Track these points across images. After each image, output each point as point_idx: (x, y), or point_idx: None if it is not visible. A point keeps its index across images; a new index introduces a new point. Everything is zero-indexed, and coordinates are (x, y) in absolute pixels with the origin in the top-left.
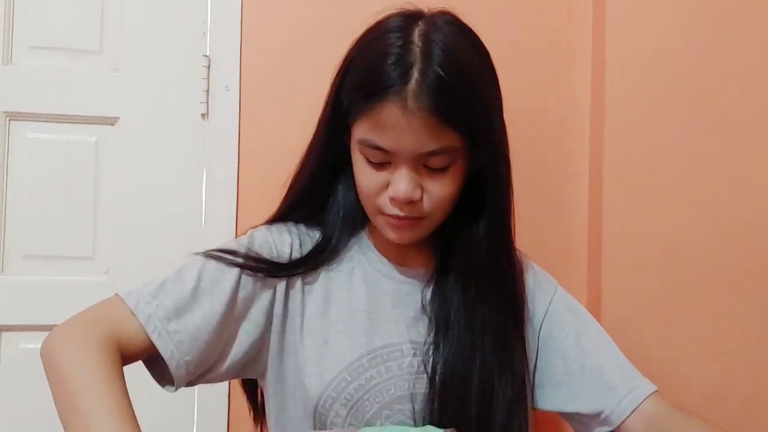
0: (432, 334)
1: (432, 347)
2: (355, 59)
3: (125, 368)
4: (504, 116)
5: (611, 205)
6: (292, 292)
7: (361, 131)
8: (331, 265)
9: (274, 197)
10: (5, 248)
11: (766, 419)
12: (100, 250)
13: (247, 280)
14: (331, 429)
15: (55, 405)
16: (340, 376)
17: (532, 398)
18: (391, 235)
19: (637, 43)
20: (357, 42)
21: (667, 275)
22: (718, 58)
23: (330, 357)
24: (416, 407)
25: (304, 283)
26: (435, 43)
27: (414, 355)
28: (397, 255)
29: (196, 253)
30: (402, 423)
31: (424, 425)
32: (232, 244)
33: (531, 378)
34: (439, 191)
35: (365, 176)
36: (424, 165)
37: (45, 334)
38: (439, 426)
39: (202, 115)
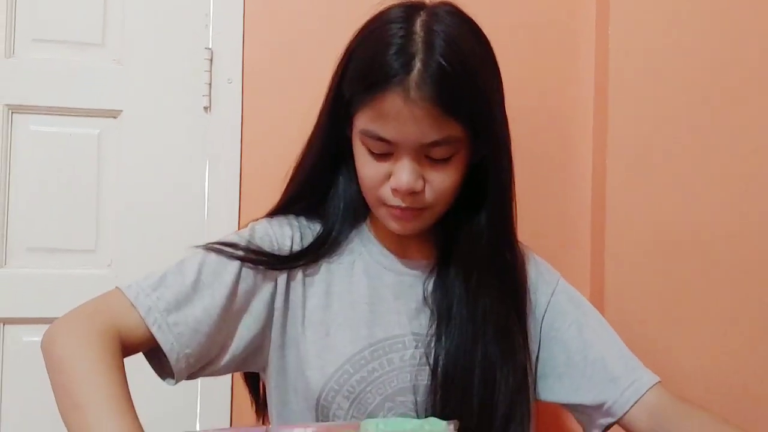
0: (434, 326)
1: (434, 339)
2: (357, 50)
3: (127, 361)
4: (507, 107)
5: (614, 196)
6: (293, 285)
7: (362, 122)
8: (332, 257)
9: (276, 190)
10: (8, 241)
11: None
12: (103, 243)
13: (248, 273)
14: (333, 421)
15: (55, 398)
16: (342, 368)
17: (535, 389)
18: (394, 226)
19: (641, 35)
20: (358, 33)
21: (670, 267)
22: (722, 49)
23: (332, 349)
24: (418, 399)
25: (305, 276)
26: (437, 33)
27: (416, 347)
28: (399, 247)
29: (197, 246)
30: (404, 415)
31: (426, 417)
32: (233, 237)
33: (533, 369)
34: (441, 182)
35: (367, 167)
36: (426, 156)
37: (48, 327)
38: (442, 417)
39: (205, 108)
